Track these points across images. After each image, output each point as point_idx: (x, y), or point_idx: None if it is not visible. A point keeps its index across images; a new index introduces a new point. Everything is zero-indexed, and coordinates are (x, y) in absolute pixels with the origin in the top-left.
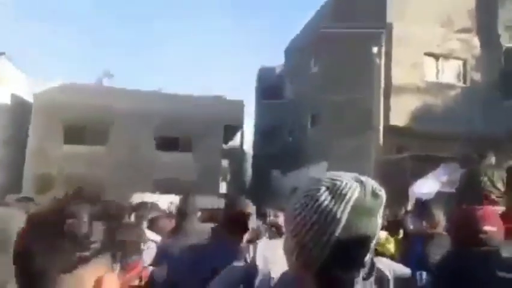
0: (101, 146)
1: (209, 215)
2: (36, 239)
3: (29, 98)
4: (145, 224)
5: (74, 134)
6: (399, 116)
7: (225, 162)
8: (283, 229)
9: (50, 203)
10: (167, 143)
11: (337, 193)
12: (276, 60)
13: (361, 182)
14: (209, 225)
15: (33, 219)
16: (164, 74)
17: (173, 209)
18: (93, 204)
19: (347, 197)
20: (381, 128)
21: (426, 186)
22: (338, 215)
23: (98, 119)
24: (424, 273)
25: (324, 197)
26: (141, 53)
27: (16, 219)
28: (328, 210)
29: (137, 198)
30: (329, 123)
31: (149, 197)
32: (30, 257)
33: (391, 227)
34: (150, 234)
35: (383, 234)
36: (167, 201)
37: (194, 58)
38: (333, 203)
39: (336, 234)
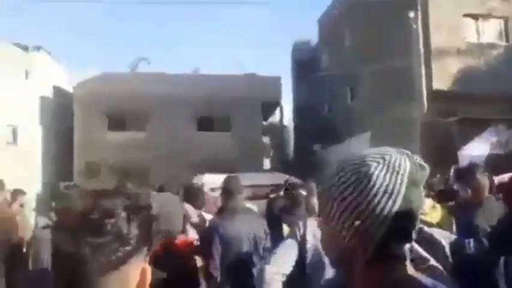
0: (142, 131)
1: (254, 192)
2: (83, 239)
3: (69, 89)
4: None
5: (116, 121)
6: (442, 80)
7: (266, 139)
8: (322, 213)
9: (90, 202)
10: (207, 124)
11: (390, 167)
12: (310, 33)
13: (407, 155)
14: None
15: (79, 220)
16: (198, 56)
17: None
18: (128, 198)
19: (402, 169)
20: (424, 94)
21: (477, 149)
22: (396, 189)
23: (138, 105)
24: (472, 241)
25: (378, 172)
26: (172, 36)
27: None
28: (386, 185)
29: (193, 179)
30: (368, 95)
31: (198, 179)
32: (79, 257)
33: (439, 194)
34: (198, 213)
35: (429, 203)
36: (218, 180)
37: (226, 37)
38: (388, 177)
39: (396, 208)
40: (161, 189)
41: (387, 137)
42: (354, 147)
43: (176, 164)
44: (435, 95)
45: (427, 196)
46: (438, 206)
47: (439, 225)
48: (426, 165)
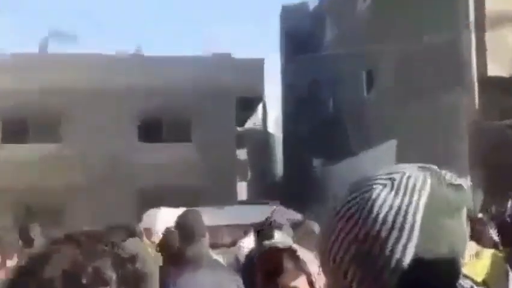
0: (53, 143)
1: (224, 234)
2: None
3: None
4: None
5: (13, 129)
6: (501, 64)
7: (242, 152)
8: (320, 254)
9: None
10: (153, 131)
11: (400, 189)
12: None
13: (431, 171)
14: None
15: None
16: (141, 29)
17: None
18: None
19: (417, 192)
20: (475, 82)
21: None
22: (409, 220)
23: (47, 104)
24: None
25: (384, 195)
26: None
27: None
28: (393, 214)
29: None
30: (393, 83)
31: (150, 216)
32: None
33: (489, 236)
34: None
35: (472, 248)
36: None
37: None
38: (399, 200)
39: (412, 248)
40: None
41: (422, 143)
42: (371, 163)
43: (107, 193)
44: (491, 85)
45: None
46: (486, 252)
47: (486, 284)
48: (463, 185)
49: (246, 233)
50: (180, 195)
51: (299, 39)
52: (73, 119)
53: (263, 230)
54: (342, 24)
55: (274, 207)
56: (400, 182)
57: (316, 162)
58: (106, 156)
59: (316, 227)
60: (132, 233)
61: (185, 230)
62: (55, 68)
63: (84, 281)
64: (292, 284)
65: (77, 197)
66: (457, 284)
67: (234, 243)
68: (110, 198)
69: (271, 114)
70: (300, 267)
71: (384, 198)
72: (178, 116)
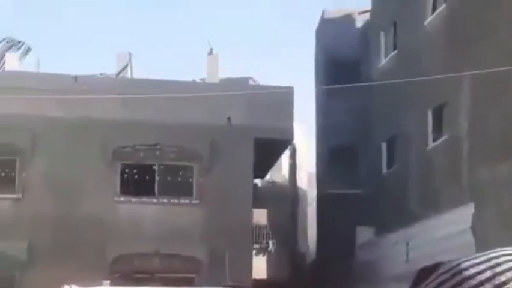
0: (7, 195)
1: None
2: None
3: None
4: None
5: None
6: None
7: (260, 215)
8: None
9: None
10: (140, 182)
11: None
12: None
13: None
14: None
15: None
16: (132, 39)
17: None
18: None
19: None
20: None
21: None
22: None
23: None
24: None
25: None
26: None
27: None
28: None
29: None
30: (467, 126)
31: None
32: None
33: None
34: None
35: None
36: None
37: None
38: None
39: None
40: None
41: (499, 208)
42: (446, 230)
43: (75, 263)
44: None
45: None
46: None
47: None
48: None
49: None
50: (175, 269)
51: (341, 62)
52: (34, 161)
53: None
54: (403, 42)
55: None
56: None
57: (361, 230)
58: (77, 214)
59: None
60: None
61: None
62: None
63: None
64: None
65: (33, 269)
66: None
67: None
68: (79, 269)
69: (303, 163)
70: None
71: None
72: (175, 161)
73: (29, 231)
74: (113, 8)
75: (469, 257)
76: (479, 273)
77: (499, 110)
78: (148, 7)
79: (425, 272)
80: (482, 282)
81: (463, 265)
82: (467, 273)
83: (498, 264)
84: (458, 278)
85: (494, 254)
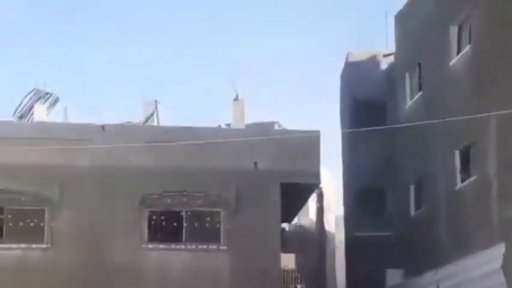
0: (34, 244)
1: None
2: None
3: None
4: None
5: None
6: None
7: (289, 259)
8: None
9: None
10: (167, 229)
11: None
12: (376, 42)
13: None
14: None
15: None
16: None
17: None
18: None
19: None
20: None
21: None
22: None
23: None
24: None
25: None
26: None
27: None
28: None
29: None
30: (496, 166)
31: None
32: None
33: None
34: None
35: None
36: None
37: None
38: None
39: None
40: None
41: None
42: (477, 272)
43: None
44: None
45: None
46: None
47: None
48: None
49: None
50: None
51: (367, 105)
52: (62, 211)
53: None
54: (429, 85)
55: None
56: None
57: (391, 273)
58: (106, 262)
59: None
60: None
61: None
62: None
63: None
64: None
65: None
66: None
67: None
68: None
69: (330, 206)
70: None
71: None
72: (202, 207)
73: (59, 281)
74: (136, 54)
75: None
76: None
77: None
78: (172, 52)
79: None
80: None
81: None
82: None
83: None
84: None
85: None
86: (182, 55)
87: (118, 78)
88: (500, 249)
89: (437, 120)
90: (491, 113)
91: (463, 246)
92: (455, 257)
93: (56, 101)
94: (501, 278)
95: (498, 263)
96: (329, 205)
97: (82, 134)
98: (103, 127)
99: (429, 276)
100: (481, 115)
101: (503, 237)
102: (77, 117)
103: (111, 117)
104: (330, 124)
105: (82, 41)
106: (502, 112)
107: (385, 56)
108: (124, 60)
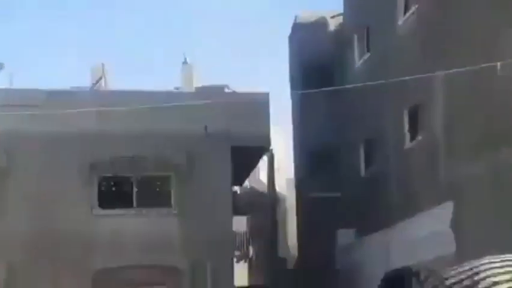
0: None
1: None
2: None
3: None
4: None
5: None
6: None
7: (240, 222)
8: None
9: None
10: (117, 193)
11: None
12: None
13: None
14: None
15: None
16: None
17: None
18: None
19: None
20: None
21: None
22: None
23: None
24: None
25: None
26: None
27: None
28: None
29: None
30: (443, 126)
31: None
32: None
33: None
34: None
35: None
36: None
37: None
38: None
39: None
40: None
41: (479, 206)
42: (426, 229)
43: (54, 278)
44: None
45: None
46: None
47: None
48: None
49: None
50: (157, 281)
51: (316, 66)
52: (9, 178)
53: None
54: (375, 46)
55: None
56: None
57: (342, 233)
58: (57, 229)
59: None
60: None
61: None
62: None
63: None
64: None
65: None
66: None
67: None
68: (60, 287)
69: (281, 168)
70: None
71: None
72: (152, 172)
73: (8, 250)
74: (84, 18)
75: (454, 267)
76: (460, 282)
77: (473, 107)
78: (120, 14)
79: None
80: None
81: (446, 275)
82: (448, 282)
83: (477, 273)
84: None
85: (475, 264)
86: (128, 20)
87: (64, 43)
88: (448, 208)
89: (384, 81)
90: (436, 73)
91: (413, 206)
92: (405, 216)
93: (0, 66)
94: (450, 236)
95: (447, 222)
96: (280, 167)
97: (28, 99)
98: (49, 92)
99: (379, 236)
100: (427, 75)
101: (451, 196)
102: (23, 84)
103: (58, 82)
104: (282, 86)
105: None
106: (446, 72)
107: (333, 17)
108: (70, 25)
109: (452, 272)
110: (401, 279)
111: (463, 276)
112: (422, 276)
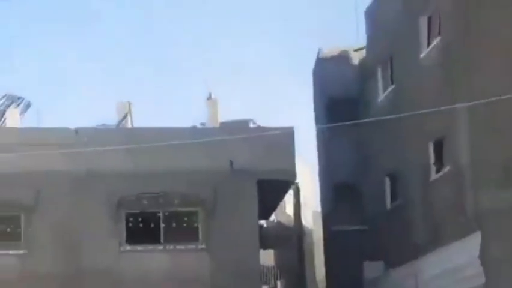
0: (13, 250)
1: None
2: None
3: None
4: None
5: None
6: None
7: (268, 255)
8: None
9: None
10: (144, 230)
11: None
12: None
13: None
14: None
15: None
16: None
17: None
18: None
19: None
20: None
21: None
22: None
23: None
24: None
25: None
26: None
27: None
28: None
29: None
30: (470, 157)
31: None
32: None
33: None
34: None
35: None
36: None
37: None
38: None
39: None
40: None
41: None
42: (457, 260)
43: None
44: None
45: None
46: None
47: None
48: None
49: None
50: None
51: (340, 99)
52: (39, 217)
53: None
54: (399, 78)
55: None
56: None
57: (369, 266)
58: (84, 267)
59: None
60: None
61: None
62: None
63: None
64: None
65: None
66: None
67: None
68: None
69: (307, 202)
70: None
71: None
72: (179, 208)
73: (36, 287)
74: (108, 57)
75: None
76: None
77: (499, 137)
78: (143, 55)
79: None
80: None
81: None
82: None
83: None
84: None
85: None
86: (152, 58)
87: (89, 80)
88: (476, 239)
89: (408, 113)
90: (462, 105)
91: (439, 237)
92: (432, 248)
93: (28, 105)
94: (478, 268)
95: (475, 253)
96: (307, 201)
97: (56, 138)
98: (76, 131)
99: (406, 268)
100: (452, 106)
101: (479, 226)
102: (50, 121)
103: (84, 120)
104: (308, 121)
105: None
106: (472, 103)
107: (356, 50)
108: (96, 63)
109: None
110: None
111: None
112: None
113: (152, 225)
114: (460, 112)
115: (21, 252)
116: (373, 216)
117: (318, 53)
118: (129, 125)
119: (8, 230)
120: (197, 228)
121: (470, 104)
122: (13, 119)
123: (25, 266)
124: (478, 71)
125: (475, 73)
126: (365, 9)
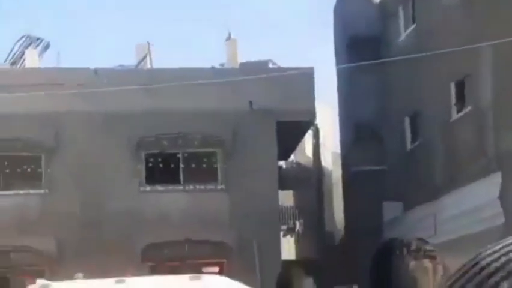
0: (34, 190)
1: None
2: None
3: None
4: None
5: None
6: None
7: (286, 196)
8: None
9: None
10: (164, 171)
11: None
12: None
13: None
14: None
15: None
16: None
17: None
18: None
19: None
20: None
21: None
22: None
23: (26, 139)
24: None
25: None
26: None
27: None
28: None
29: None
30: (491, 96)
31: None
32: None
33: None
34: None
35: None
36: None
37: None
38: None
39: None
40: None
41: None
42: (474, 200)
43: (103, 255)
44: None
45: None
46: None
47: None
48: None
49: None
50: (205, 256)
51: (361, 39)
52: (59, 157)
53: None
54: (421, 17)
55: None
56: None
57: (388, 205)
58: (102, 205)
59: None
60: None
61: None
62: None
63: None
64: None
65: (63, 263)
66: None
67: None
68: (108, 262)
69: (327, 143)
70: None
71: None
72: (198, 148)
73: (57, 226)
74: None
75: (489, 246)
76: (495, 260)
77: None
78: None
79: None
80: (497, 269)
81: (482, 254)
82: (484, 262)
83: (511, 251)
84: (477, 267)
85: (509, 241)
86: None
87: (108, 21)
88: (496, 180)
89: (431, 53)
90: (486, 43)
91: (459, 177)
92: (452, 188)
93: (47, 46)
94: (498, 208)
95: (495, 193)
96: (326, 142)
97: (75, 79)
98: (95, 71)
99: (426, 208)
100: (476, 45)
101: (499, 167)
102: (69, 62)
103: (103, 61)
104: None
105: None
106: (496, 42)
107: None
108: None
109: (488, 251)
110: (391, 250)
111: (496, 255)
112: (412, 247)
113: (172, 166)
114: (483, 52)
115: (42, 191)
116: (393, 157)
117: None
118: (148, 67)
119: (29, 170)
120: (216, 168)
121: (493, 42)
122: (32, 59)
123: (46, 205)
124: (501, 10)
125: (498, 12)
126: None
